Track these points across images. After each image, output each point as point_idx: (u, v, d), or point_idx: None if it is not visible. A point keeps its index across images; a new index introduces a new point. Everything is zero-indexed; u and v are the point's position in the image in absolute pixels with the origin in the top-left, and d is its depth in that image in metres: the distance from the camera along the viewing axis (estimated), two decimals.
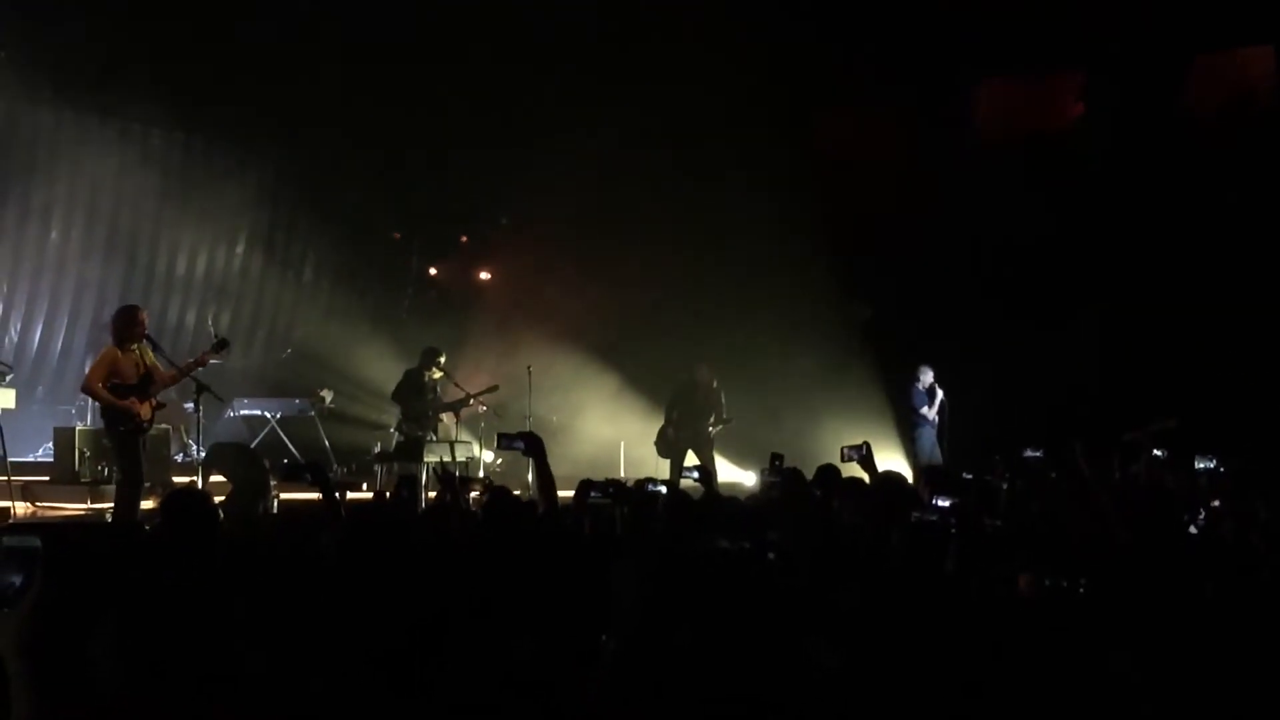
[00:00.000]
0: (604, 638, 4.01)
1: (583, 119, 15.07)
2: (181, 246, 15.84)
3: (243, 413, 15.03)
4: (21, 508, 10.72)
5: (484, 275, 18.12)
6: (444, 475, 7.85)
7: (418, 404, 12.49)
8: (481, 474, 12.43)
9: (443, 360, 12.66)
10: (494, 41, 14.53)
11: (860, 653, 3.95)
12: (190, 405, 10.83)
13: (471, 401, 12.68)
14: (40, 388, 14.57)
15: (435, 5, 14.22)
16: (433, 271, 18.39)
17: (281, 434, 14.70)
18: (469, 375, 13.58)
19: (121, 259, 15.28)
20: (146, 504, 9.24)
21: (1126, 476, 8.16)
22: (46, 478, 12.00)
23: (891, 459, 13.31)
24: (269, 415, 14.92)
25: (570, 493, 6.42)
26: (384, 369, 14.80)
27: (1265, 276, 13.01)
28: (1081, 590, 4.39)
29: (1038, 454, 7.79)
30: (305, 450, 14.27)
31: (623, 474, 13.95)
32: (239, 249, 16.47)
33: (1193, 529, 5.68)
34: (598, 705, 3.76)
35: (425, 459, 11.91)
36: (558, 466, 6.04)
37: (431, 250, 18.28)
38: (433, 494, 9.91)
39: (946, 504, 5.27)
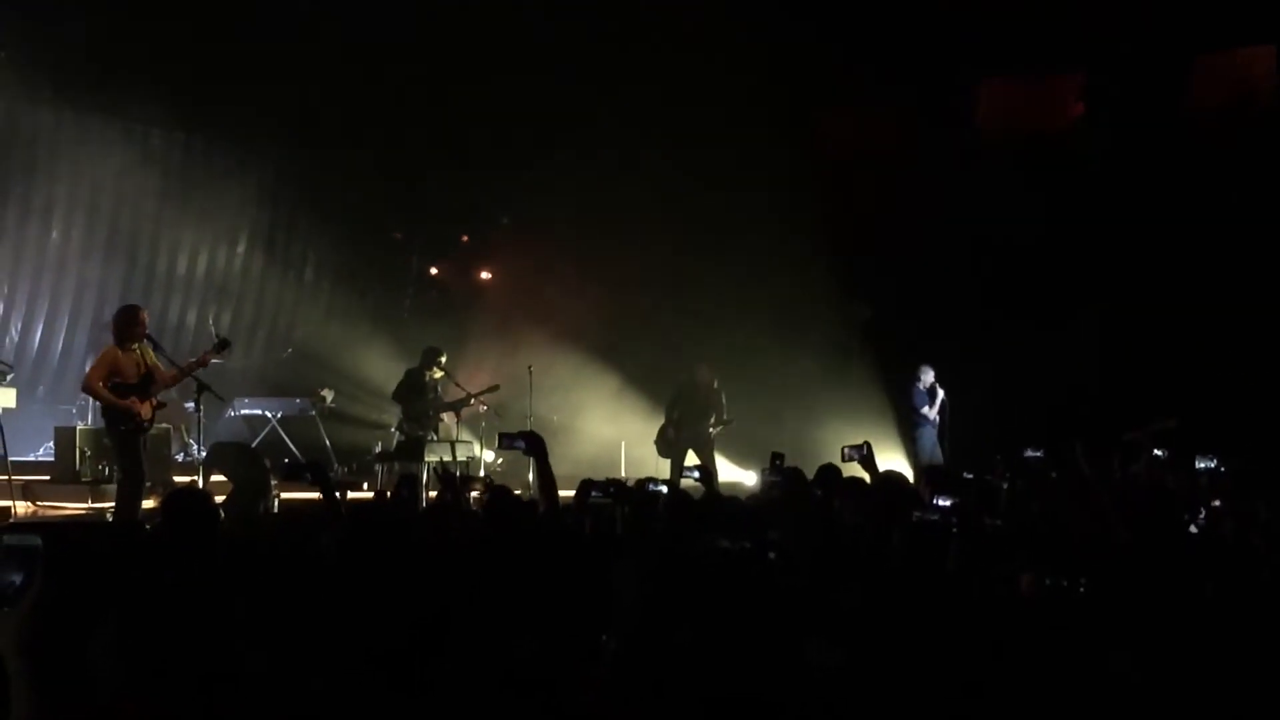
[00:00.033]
0: (604, 637, 4.01)
1: (583, 119, 15.08)
2: (182, 246, 15.84)
3: (243, 412, 15.03)
4: (22, 507, 10.71)
5: (485, 275, 18.12)
6: (445, 475, 7.85)
7: (418, 404, 12.49)
8: (482, 474, 12.42)
9: (443, 360, 12.66)
10: (495, 41, 14.53)
11: (861, 652, 3.95)
12: (191, 405, 10.83)
13: (472, 401, 12.67)
14: (41, 387, 14.57)
15: (436, 5, 14.22)
16: (434, 271, 18.39)
17: (282, 433, 14.71)
18: (470, 375, 13.58)
19: (122, 259, 15.28)
20: (147, 503, 9.24)
21: (1127, 476, 8.16)
22: (47, 477, 12.00)
23: (892, 459, 13.30)
24: (270, 415, 14.92)
25: (571, 492, 6.42)
26: (385, 369, 14.81)
27: (1266, 276, 13.00)
28: (1082, 590, 4.39)
29: (1038, 454, 7.79)
30: (306, 450, 14.28)
31: (623, 474, 13.96)
32: (240, 248, 16.47)
33: (1193, 529, 5.68)
34: (598, 704, 3.76)
35: (426, 459, 11.91)
36: (558, 466, 6.04)
37: (432, 250, 18.28)
38: (434, 494, 9.91)
39: (947, 504, 5.27)
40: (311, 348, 16.44)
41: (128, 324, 9.32)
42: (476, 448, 13.26)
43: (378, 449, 13.88)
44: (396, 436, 13.00)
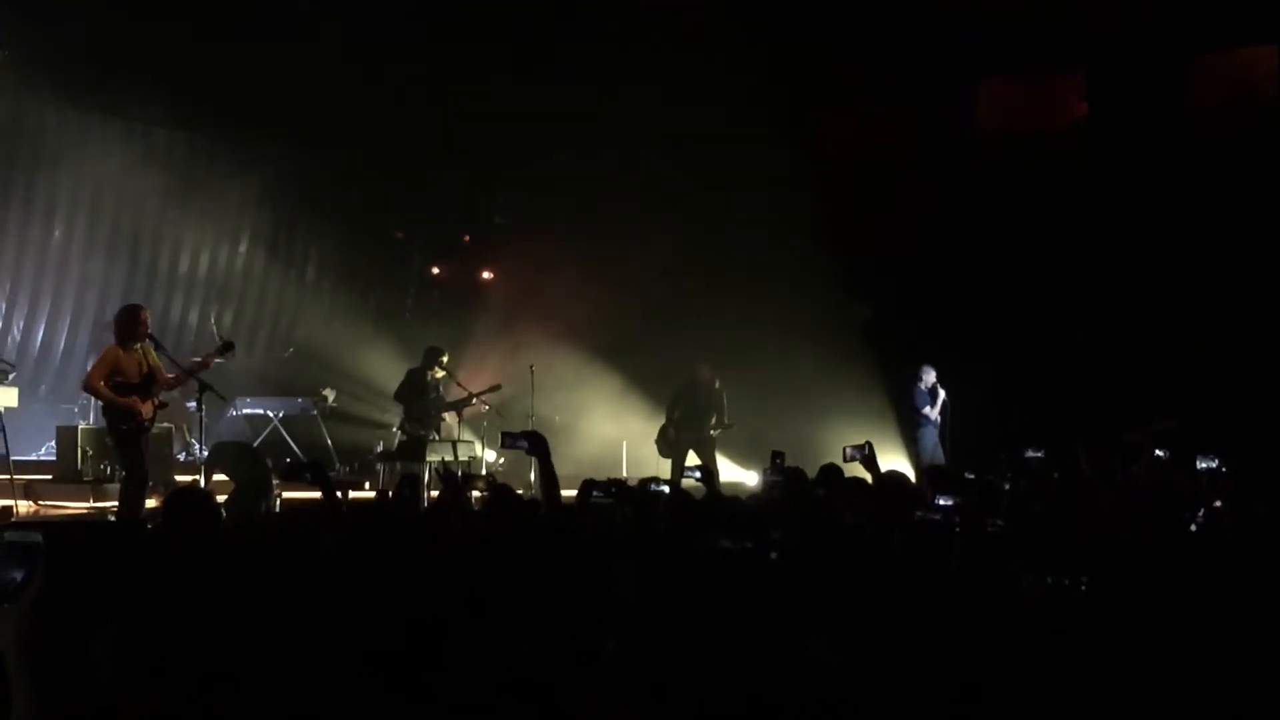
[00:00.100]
0: (606, 638, 4.01)
1: (584, 119, 15.08)
2: (184, 245, 15.86)
3: (245, 412, 15.04)
4: (24, 506, 10.73)
5: (486, 275, 18.14)
6: (446, 474, 7.85)
7: (420, 403, 12.49)
8: (484, 473, 12.42)
9: (445, 359, 12.67)
10: (496, 41, 14.54)
11: (862, 653, 3.96)
12: (192, 404, 10.83)
13: (474, 401, 12.68)
14: (43, 386, 14.59)
15: (438, 5, 14.23)
16: (435, 271, 18.41)
17: (284, 433, 14.72)
18: (471, 374, 13.59)
19: (124, 258, 15.30)
20: (149, 503, 9.25)
21: (1128, 477, 8.16)
22: (49, 476, 12.02)
23: (894, 459, 13.31)
24: (271, 414, 14.94)
25: (573, 492, 6.43)
26: (386, 368, 14.82)
27: (1266, 276, 13.01)
28: (1083, 589, 4.40)
29: (1039, 454, 7.80)
30: (308, 449, 14.30)
31: (625, 473, 13.97)
32: (242, 248, 16.49)
33: (1193, 529, 5.68)
34: (599, 705, 3.76)
35: (428, 458, 11.91)
36: (560, 466, 6.04)
37: (434, 249, 18.30)
38: (435, 493, 9.92)
39: (949, 503, 5.27)
40: (313, 347, 16.45)
41: (130, 324, 9.32)
42: (478, 447, 13.27)
43: (379, 448, 13.89)
44: (398, 436, 13.01)
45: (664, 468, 13.28)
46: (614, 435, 15.45)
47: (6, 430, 10.74)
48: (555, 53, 14.82)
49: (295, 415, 15.08)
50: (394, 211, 17.33)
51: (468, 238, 18.37)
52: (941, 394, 13.93)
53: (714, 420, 13.20)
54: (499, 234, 17.76)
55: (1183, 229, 13.33)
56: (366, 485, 13.03)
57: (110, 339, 9.55)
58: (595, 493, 6.23)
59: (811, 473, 7.09)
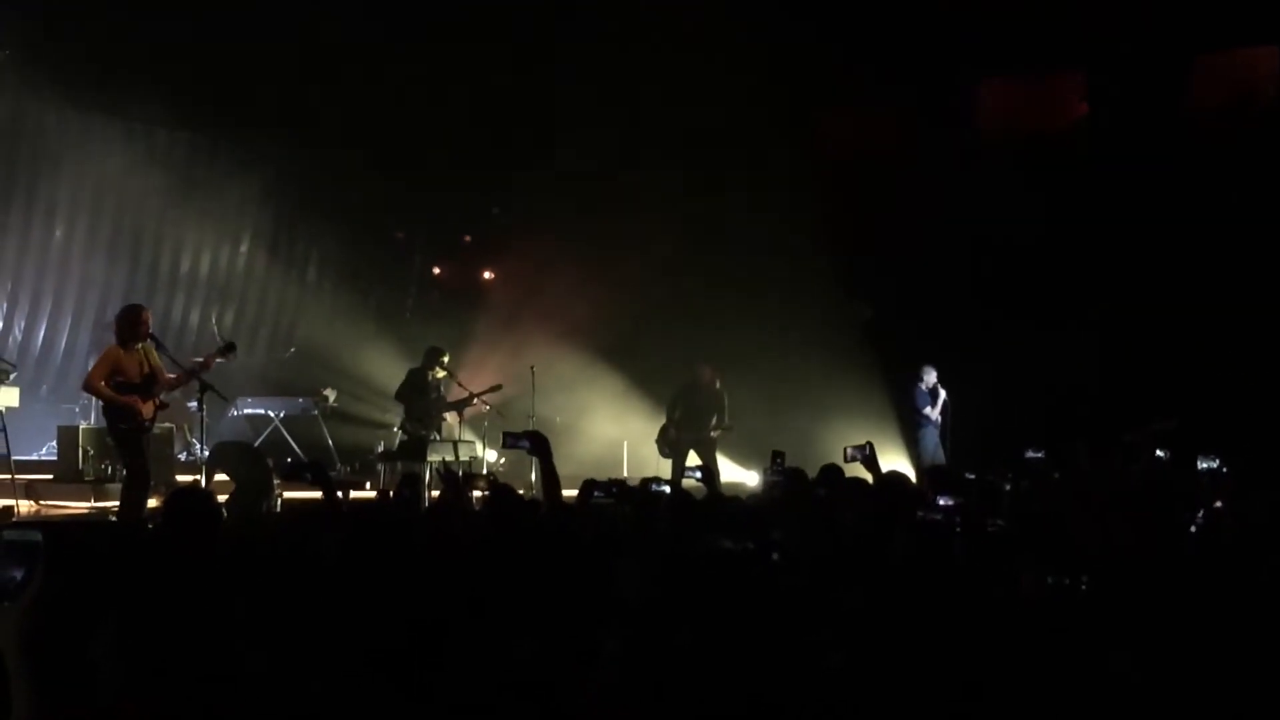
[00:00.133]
0: (606, 638, 4.01)
1: (584, 119, 15.09)
2: (185, 245, 15.87)
3: (246, 412, 15.05)
4: (25, 506, 10.73)
5: (487, 275, 18.14)
6: (447, 474, 7.85)
7: (421, 403, 12.49)
8: (485, 473, 12.43)
9: (446, 360, 12.67)
10: (496, 41, 14.54)
11: (863, 653, 3.96)
12: (193, 404, 10.84)
13: (475, 401, 12.67)
14: (44, 386, 14.60)
15: (438, 6, 14.23)
16: (436, 271, 18.41)
17: (285, 433, 14.73)
18: (472, 375, 13.59)
19: (125, 258, 15.31)
20: (150, 503, 9.25)
21: (1128, 476, 8.16)
22: (50, 476, 12.03)
23: (894, 460, 13.31)
24: (272, 414, 14.95)
25: (574, 492, 6.43)
26: (387, 368, 14.82)
27: (1266, 276, 13.01)
28: (1083, 588, 4.40)
29: (1039, 455, 7.80)
30: (309, 449, 14.31)
31: (626, 474, 13.97)
32: (243, 248, 16.50)
33: (1193, 529, 5.68)
34: (599, 705, 3.76)
35: (429, 458, 11.92)
36: (561, 466, 6.05)
37: (435, 249, 18.31)
38: (436, 493, 9.92)
39: (949, 503, 5.28)
40: (314, 347, 16.46)
41: (131, 324, 9.31)
42: (479, 447, 13.27)
43: (380, 448, 13.89)
44: (399, 436, 13.01)
45: (665, 468, 13.29)
46: (615, 435, 15.46)
47: (8, 430, 10.75)
48: (555, 53, 14.82)
49: (296, 415, 15.09)
50: (395, 211, 17.34)
51: (468, 238, 18.37)
52: (942, 394, 13.93)
53: (714, 421, 13.19)
54: (500, 234, 17.76)
55: (1183, 229, 13.33)
56: (367, 485, 13.03)
57: (111, 339, 9.55)
58: (596, 493, 6.23)
59: (812, 473, 7.09)
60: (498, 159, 16.17)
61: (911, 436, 14.27)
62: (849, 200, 15.16)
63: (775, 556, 4.89)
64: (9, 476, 10.59)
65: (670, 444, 13.34)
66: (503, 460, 14.36)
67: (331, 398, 15.14)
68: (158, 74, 13.91)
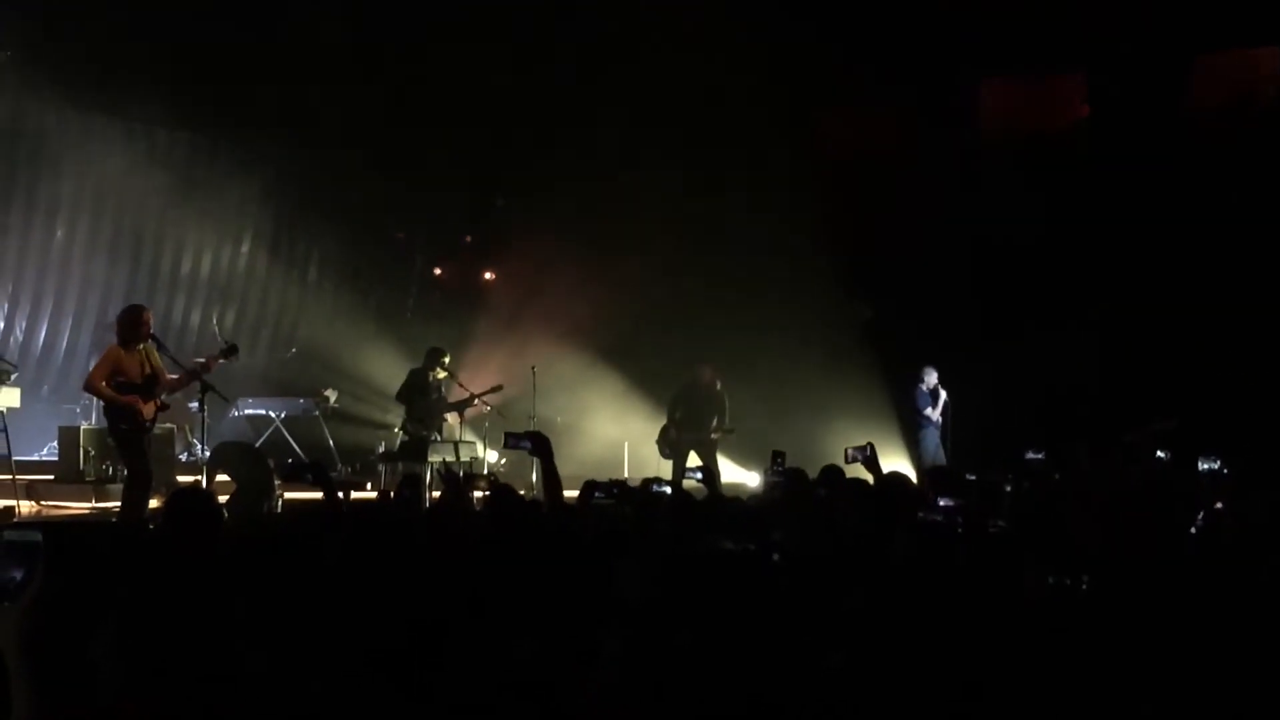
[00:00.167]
0: (607, 638, 4.01)
1: (585, 119, 15.09)
2: (186, 246, 15.88)
3: (247, 412, 15.06)
4: (26, 507, 10.73)
5: (488, 275, 18.14)
6: (448, 474, 7.86)
7: (422, 404, 12.49)
8: (486, 473, 12.42)
9: (447, 360, 12.67)
10: (497, 42, 14.54)
11: (864, 653, 3.96)
12: (194, 405, 10.85)
13: (476, 401, 12.67)
14: (45, 387, 14.60)
15: (439, 6, 14.24)
16: (437, 271, 18.41)
17: (286, 434, 14.73)
18: (473, 375, 13.60)
19: (126, 258, 15.32)
20: (152, 503, 9.25)
21: (1128, 477, 8.16)
22: (51, 477, 12.04)
23: (895, 460, 13.31)
24: (273, 415, 14.95)
25: (575, 493, 6.43)
26: (388, 369, 14.83)
27: (1267, 277, 13.01)
28: (1084, 588, 4.40)
29: (1039, 456, 7.80)
30: (310, 450, 14.32)
31: (627, 474, 13.96)
32: (244, 248, 16.50)
33: (1194, 529, 5.68)
34: (599, 706, 3.76)
35: (429, 459, 11.92)
36: (562, 467, 6.05)
37: (436, 250, 18.31)
38: (437, 494, 9.92)
39: (950, 504, 5.28)
40: (315, 348, 16.47)
41: (132, 324, 9.32)
42: (480, 448, 13.27)
43: (381, 449, 13.89)
44: (400, 436, 13.02)
45: (665, 469, 13.28)
46: (615, 436, 15.46)
47: (9, 430, 10.75)
48: (555, 53, 14.83)
49: (297, 416, 15.10)
50: (395, 212, 17.34)
51: (469, 238, 18.38)
52: (943, 395, 13.92)
53: (715, 423, 13.19)
54: (500, 234, 17.76)
55: (1183, 229, 13.33)
56: (368, 486, 13.03)
57: (112, 339, 9.55)
58: (597, 493, 6.23)
59: (813, 474, 7.08)
60: (498, 159, 16.17)
61: (912, 437, 14.26)
62: (849, 200, 15.16)
63: (776, 557, 4.89)
64: (10, 477, 10.59)
65: (671, 445, 13.34)
66: (503, 461, 14.36)
67: (332, 398, 15.15)
68: (158, 74, 13.93)
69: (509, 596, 4.35)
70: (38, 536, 3.83)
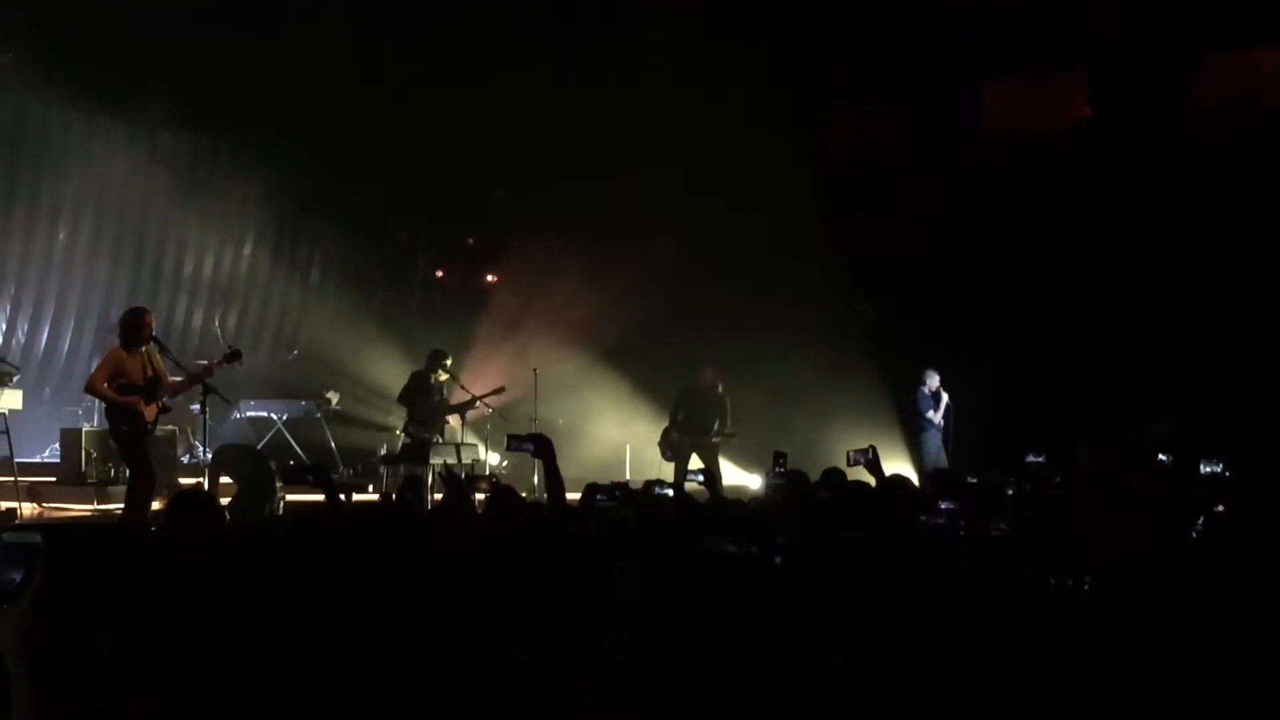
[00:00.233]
0: (608, 640, 4.01)
1: (585, 119, 15.08)
2: (189, 247, 15.89)
3: (249, 414, 15.07)
4: (28, 509, 10.73)
5: (490, 278, 18.13)
6: (449, 476, 7.85)
7: (424, 406, 12.50)
8: (487, 475, 12.42)
9: (449, 362, 12.67)
10: (498, 44, 14.55)
11: (865, 656, 3.96)
12: (196, 407, 10.85)
13: (477, 404, 12.68)
14: (47, 389, 14.62)
15: (441, 8, 14.25)
16: (439, 273, 18.41)
17: (288, 435, 14.73)
18: (475, 377, 13.60)
19: (129, 259, 15.34)
20: (154, 505, 9.25)
21: (1129, 479, 8.15)
22: (53, 479, 12.04)
23: (897, 463, 13.30)
24: (275, 417, 14.95)
25: (577, 495, 6.43)
26: (390, 371, 14.84)
27: (1268, 278, 13.00)
28: (1086, 588, 4.40)
29: (1039, 459, 7.79)
30: (311, 452, 14.31)
31: (628, 476, 13.95)
32: (246, 250, 16.51)
33: (1195, 531, 5.67)
34: (600, 707, 3.76)
35: (431, 461, 11.91)
36: (564, 469, 6.04)
37: (437, 252, 18.31)
38: (438, 496, 9.91)
39: (952, 507, 5.27)
40: (317, 350, 16.48)
41: (134, 326, 9.32)
42: (481, 450, 13.27)
43: (383, 451, 13.90)
44: (402, 439, 13.02)
45: (667, 471, 13.28)
46: (618, 438, 15.45)
47: (11, 432, 10.75)
48: (555, 53, 14.83)
49: (299, 418, 15.10)
50: (397, 214, 17.35)
51: (471, 240, 18.38)
52: (944, 398, 13.90)
53: (717, 426, 13.18)
54: (502, 236, 17.76)
55: (1184, 230, 13.32)
56: (370, 488, 13.03)
57: (114, 341, 9.56)
58: (599, 496, 6.23)
59: (815, 477, 7.07)
60: (498, 159, 16.18)
61: (914, 440, 14.24)
62: (850, 201, 15.15)
63: (778, 560, 4.89)
64: (12, 479, 10.58)
65: (673, 447, 13.34)
66: (505, 463, 14.36)
67: (334, 400, 15.15)
68: (160, 75, 13.95)
69: (510, 598, 4.35)
70: (37, 538, 3.84)
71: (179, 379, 9.64)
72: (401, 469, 12.12)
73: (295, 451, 14.28)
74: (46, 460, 12.97)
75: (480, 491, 7.01)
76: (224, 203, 15.75)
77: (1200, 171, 13.52)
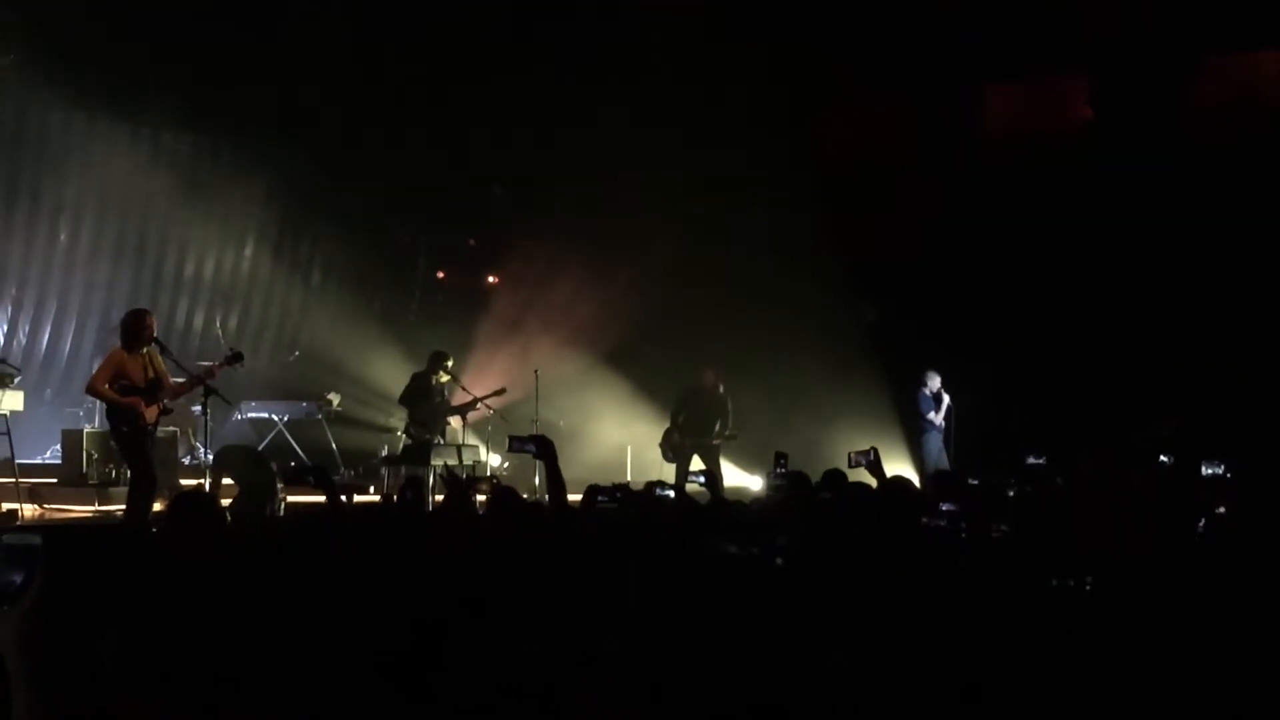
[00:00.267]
0: (609, 641, 4.01)
1: (586, 121, 15.08)
2: (190, 248, 15.89)
3: (250, 415, 15.07)
4: (29, 510, 10.73)
5: (491, 279, 18.13)
6: (450, 477, 7.85)
7: (425, 407, 12.50)
8: (488, 476, 12.41)
9: (450, 364, 12.68)
10: (499, 45, 14.56)
11: (866, 657, 3.95)
12: (197, 408, 10.85)
13: (479, 405, 12.68)
14: (48, 390, 14.62)
15: (442, 9, 14.25)
16: (440, 274, 18.40)
17: (289, 437, 14.73)
18: (476, 379, 13.59)
19: (130, 261, 15.35)
20: (155, 506, 9.25)
21: (1131, 479, 8.15)
22: (54, 480, 12.04)
23: (899, 465, 13.29)
24: (276, 418, 14.95)
25: (578, 497, 6.42)
26: (391, 372, 14.84)
27: (1270, 280, 12.99)
28: (1088, 589, 4.40)
29: (1040, 460, 7.79)
30: (312, 453, 14.30)
31: (630, 478, 13.95)
32: (247, 251, 16.51)
33: (1196, 533, 5.67)
34: (601, 708, 3.76)
35: (432, 462, 11.91)
36: (565, 470, 6.04)
37: (439, 253, 18.30)
38: (439, 497, 9.91)
39: (953, 509, 5.27)
40: (318, 351, 16.48)
41: (135, 328, 9.32)
42: (482, 451, 13.27)
43: (384, 452, 13.89)
44: (403, 440, 13.02)
45: (668, 472, 13.27)
46: (619, 439, 15.44)
47: (12, 433, 10.75)
48: (555, 53, 14.83)
49: (300, 419, 15.09)
50: (398, 214, 17.35)
51: (472, 241, 18.37)
52: (946, 399, 13.89)
53: (719, 428, 13.18)
54: (503, 237, 17.76)
55: (1184, 231, 13.31)
56: (371, 489, 13.04)
57: (116, 343, 9.56)
58: (600, 497, 6.23)
59: (816, 479, 7.07)
60: (498, 159, 16.18)
61: (915, 441, 14.23)
62: (850, 202, 15.14)
63: (779, 561, 4.88)
64: (13, 480, 10.59)
65: (674, 448, 13.34)
66: (506, 464, 14.35)
67: (335, 402, 15.15)
68: (161, 76, 13.95)
69: (511, 599, 4.35)
70: (37, 540, 3.84)
71: (180, 380, 9.64)
72: (402, 470, 12.13)
73: (296, 453, 14.27)
74: (48, 462, 12.97)
75: (481, 493, 7.02)
76: (225, 204, 15.76)
77: (1201, 173, 13.52)
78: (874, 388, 14.67)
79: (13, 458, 10.66)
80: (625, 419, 15.49)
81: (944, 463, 13.59)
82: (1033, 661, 3.91)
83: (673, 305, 15.67)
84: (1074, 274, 14.07)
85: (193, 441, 13.28)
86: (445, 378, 12.64)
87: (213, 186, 15.63)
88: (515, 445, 6.32)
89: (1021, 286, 14.26)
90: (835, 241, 14.52)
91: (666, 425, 13.52)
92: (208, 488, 9.60)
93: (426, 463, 11.89)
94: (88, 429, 12.32)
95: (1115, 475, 7.87)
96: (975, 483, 7.17)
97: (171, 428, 11.81)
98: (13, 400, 11.09)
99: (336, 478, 9.15)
